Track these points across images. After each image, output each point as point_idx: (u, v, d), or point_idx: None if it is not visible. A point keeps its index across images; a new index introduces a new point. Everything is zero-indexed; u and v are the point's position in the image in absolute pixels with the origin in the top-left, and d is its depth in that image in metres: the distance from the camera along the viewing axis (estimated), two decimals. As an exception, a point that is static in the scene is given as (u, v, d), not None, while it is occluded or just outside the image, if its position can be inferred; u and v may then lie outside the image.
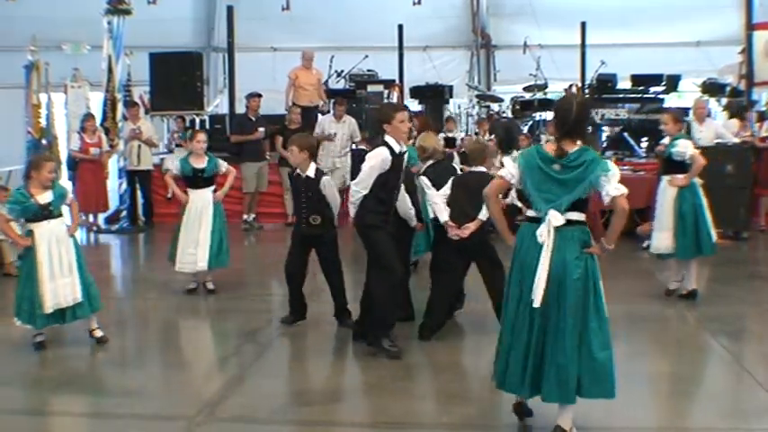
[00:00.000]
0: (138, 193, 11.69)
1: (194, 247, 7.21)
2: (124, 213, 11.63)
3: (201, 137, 7.50)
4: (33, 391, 5.15)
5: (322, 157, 11.56)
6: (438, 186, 6.01)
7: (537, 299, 3.85)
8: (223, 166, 7.51)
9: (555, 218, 3.87)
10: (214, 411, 4.62)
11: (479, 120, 13.17)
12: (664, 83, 12.49)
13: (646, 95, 12.52)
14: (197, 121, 13.04)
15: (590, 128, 12.09)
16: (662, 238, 6.72)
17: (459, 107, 14.49)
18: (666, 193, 6.74)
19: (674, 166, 6.72)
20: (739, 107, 11.51)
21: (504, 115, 13.36)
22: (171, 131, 13.14)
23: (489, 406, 4.52)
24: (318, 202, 6.12)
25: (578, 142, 3.94)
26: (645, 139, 12.05)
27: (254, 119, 11.59)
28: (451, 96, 13.94)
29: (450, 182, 5.89)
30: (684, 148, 6.62)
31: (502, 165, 4.41)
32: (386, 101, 12.55)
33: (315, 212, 6.12)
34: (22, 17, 13.42)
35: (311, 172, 6.13)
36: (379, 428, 4.45)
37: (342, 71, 13.69)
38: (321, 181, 6.11)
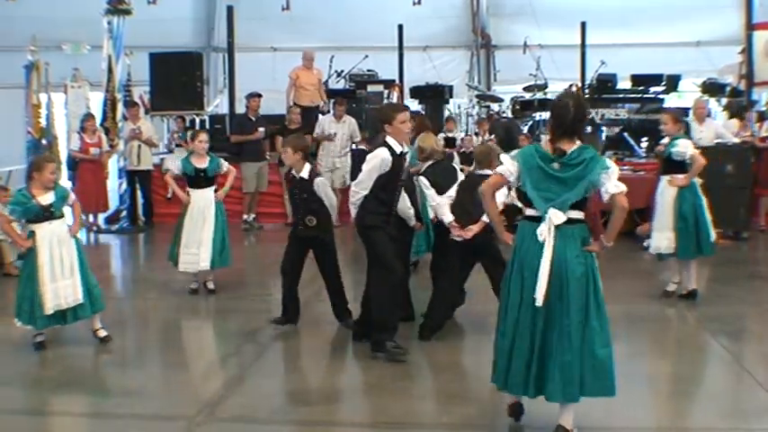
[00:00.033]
0: (138, 193, 11.69)
1: (197, 246, 7.22)
2: (124, 213, 11.63)
3: (203, 137, 7.51)
4: (33, 391, 5.15)
5: (322, 157, 11.59)
6: (437, 186, 6.00)
7: (540, 297, 3.84)
8: (224, 165, 7.53)
9: (556, 216, 3.87)
10: (214, 411, 4.62)
11: (479, 120, 13.17)
12: (664, 83, 12.49)
13: (646, 95, 12.53)
14: (197, 121, 13.04)
15: (590, 128, 12.12)
16: (662, 237, 6.72)
17: (459, 107, 14.49)
18: (666, 193, 6.74)
19: (674, 165, 6.72)
20: (739, 107, 11.51)
21: (504, 115, 13.37)
22: (171, 131, 13.14)
23: (489, 406, 4.52)
24: (313, 203, 6.11)
25: (576, 141, 3.94)
26: (645, 139, 12.05)
27: (254, 119, 11.59)
28: (451, 96, 13.94)
29: (456, 185, 5.89)
30: (684, 148, 6.62)
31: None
32: (386, 101, 12.56)
33: (310, 213, 6.12)
34: (22, 17, 13.43)
35: (305, 173, 6.13)
36: (379, 428, 4.45)
37: (342, 71, 13.68)
38: (315, 182, 6.10)
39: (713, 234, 6.79)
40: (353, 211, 5.52)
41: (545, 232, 3.88)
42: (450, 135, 12.18)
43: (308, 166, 6.18)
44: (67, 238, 5.70)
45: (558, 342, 3.87)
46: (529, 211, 4.04)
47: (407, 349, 5.29)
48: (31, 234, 5.65)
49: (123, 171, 11.62)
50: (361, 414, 4.68)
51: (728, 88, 12.68)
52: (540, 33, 14.16)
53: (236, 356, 5.84)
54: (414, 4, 14.49)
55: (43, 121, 11.58)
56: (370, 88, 13.06)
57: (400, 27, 13.85)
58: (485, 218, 5.53)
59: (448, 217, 5.83)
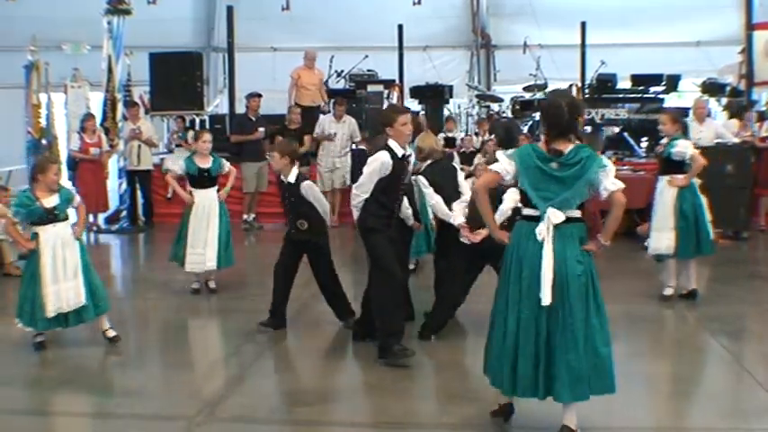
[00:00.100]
0: (138, 193, 11.69)
1: (203, 247, 7.23)
2: (124, 213, 11.63)
3: (207, 137, 7.52)
4: (33, 391, 5.15)
5: (322, 157, 11.59)
6: (436, 186, 6.00)
7: (546, 297, 3.83)
8: (226, 165, 7.56)
9: (555, 216, 3.87)
10: (214, 411, 4.62)
11: (479, 120, 13.17)
12: (664, 83, 12.49)
13: (646, 95, 12.53)
14: (197, 121, 13.04)
15: (590, 128, 12.13)
16: (662, 238, 6.70)
17: (459, 107, 14.50)
18: (666, 193, 6.73)
19: (674, 166, 6.71)
20: (739, 107, 11.51)
21: (504, 115, 13.36)
22: (171, 131, 13.15)
23: (489, 406, 4.51)
24: (302, 207, 6.09)
25: (572, 140, 3.94)
26: (645, 139, 12.06)
27: (254, 119, 11.58)
28: (451, 96, 13.93)
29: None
30: (684, 149, 6.62)
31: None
32: (386, 101, 12.56)
33: (301, 217, 6.10)
34: (22, 17, 13.44)
35: (292, 177, 6.11)
36: (379, 428, 4.45)
37: (342, 71, 13.69)
38: (301, 186, 6.07)
39: (712, 233, 6.79)
40: (356, 214, 5.49)
41: (544, 232, 3.88)
42: (450, 135, 12.19)
43: (295, 171, 6.14)
44: (71, 241, 5.68)
45: (562, 341, 3.86)
46: (526, 211, 4.03)
47: (413, 350, 5.26)
48: (35, 236, 5.64)
49: (123, 171, 11.62)
50: (361, 414, 4.68)
51: (728, 88, 12.69)
52: (540, 33, 14.17)
53: (236, 356, 5.84)
54: (414, 4, 14.50)
55: (43, 121, 11.59)
56: (370, 88, 13.05)
57: (400, 27, 13.84)
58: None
59: (459, 219, 5.84)
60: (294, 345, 6.10)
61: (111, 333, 5.85)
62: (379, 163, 5.27)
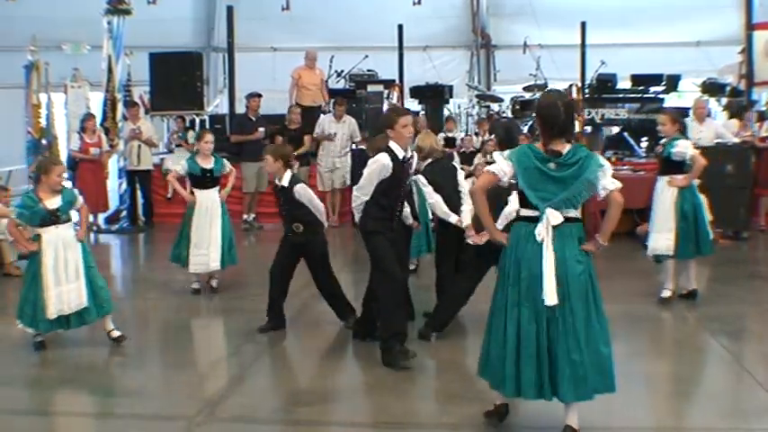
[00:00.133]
0: (138, 193, 11.69)
1: (206, 247, 7.24)
2: (124, 213, 11.63)
3: (209, 137, 7.53)
4: (33, 391, 5.15)
5: (322, 157, 11.60)
6: (435, 185, 6.00)
7: (551, 298, 3.82)
8: (227, 165, 7.58)
9: (553, 216, 3.87)
10: (214, 411, 4.62)
11: (479, 120, 13.18)
12: (664, 83, 12.50)
13: (646, 95, 12.54)
14: (197, 120, 13.04)
15: (590, 128, 12.13)
16: (661, 238, 6.67)
17: (459, 107, 14.50)
18: (666, 193, 6.70)
19: (673, 166, 6.69)
20: (739, 107, 11.51)
21: (504, 115, 13.36)
22: (171, 131, 13.14)
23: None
24: (296, 210, 6.08)
25: (568, 140, 3.94)
26: (645, 139, 12.06)
27: (254, 119, 11.59)
28: (451, 96, 13.94)
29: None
30: (685, 149, 6.60)
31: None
32: (386, 101, 12.56)
33: (296, 220, 6.09)
34: (22, 17, 13.43)
35: (285, 181, 6.10)
36: (379, 428, 4.45)
37: (342, 71, 13.69)
38: (294, 189, 6.05)
39: (712, 233, 6.78)
40: (357, 216, 5.47)
41: (543, 232, 3.88)
42: (450, 135, 12.19)
43: (288, 174, 6.12)
44: (74, 243, 5.67)
45: (564, 341, 3.86)
46: (524, 212, 4.02)
47: (414, 352, 5.24)
48: (37, 237, 5.63)
49: (123, 171, 11.62)
50: (362, 414, 4.68)
51: (728, 88, 12.69)
52: (540, 33, 14.17)
53: (236, 356, 5.84)
54: (414, 4, 14.50)
55: (43, 121, 11.59)
56: (370, 88, 13.05)
57: (400, 27, 13.84)
58: (498, 224, 5.50)
59: (448, 215, 5.85)
60: (294, 345, 6.10)
61: (116, 333, 5.85)
62: (379, 165, 5.24)
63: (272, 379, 5.44)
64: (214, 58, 16.72)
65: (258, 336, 6.09)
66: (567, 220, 3.91)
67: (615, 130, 12.75)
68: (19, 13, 13.61)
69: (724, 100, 12.63)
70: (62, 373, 5.35)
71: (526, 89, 13.54)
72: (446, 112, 13.64)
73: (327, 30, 15.25)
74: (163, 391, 5.10)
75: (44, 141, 11.54)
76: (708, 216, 6.77)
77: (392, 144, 5.27)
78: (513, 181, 4.02)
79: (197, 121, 13.05)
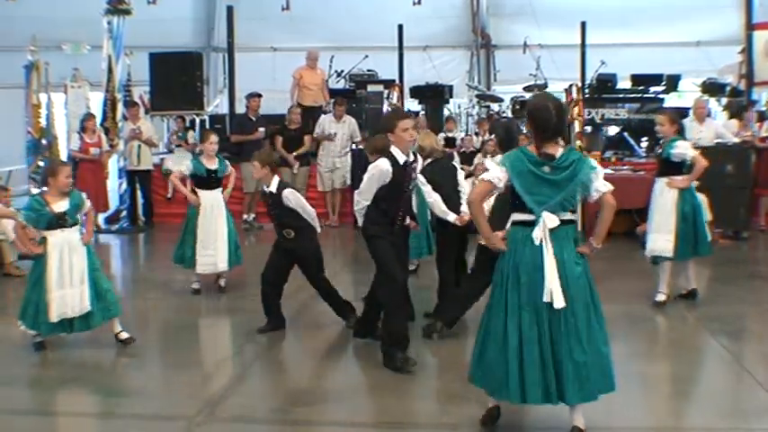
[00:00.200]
0: (138, 193, 11.69)
1: (213, 247, 7.25)
2: (124, 213, 11.63)
3: (214, 138, 7.54)
4: (33, 391, 5.16)
5: (322, 157, 11.60)
6: (435, 184, 5.99)
7: (558, 301, 3.83)
8: (229, 166, 7.59)
9: (550, 219, 3.88)
10: (214, 411, 4.62)
11: (479, 120, 13.18)
12: (664, 83, 12.51)
13: (646, 95, 12.54)
14: (197, 121, 13.04)
15: (590, 128, 12.14)
16: (661, 239, 6.62)
17: (459, 107, 14.50)
18: (666, 194, 6.65)
19: (672, 167, 6.66)
20: (739, 107, 11.52)
21: (504, 115, 13.36)
22: (171, 131, 13.15)
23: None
24: (286, 215, 6.06)
25: (561, 143, 3.95)
26: (645, 139, 12.06)
27: (254, 119, 11.59)
28: (451, 96, 13.94)
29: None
30: (685, 150, 6.57)
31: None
32: (386, 101, 12.56)
33: (286, 226, 6.07)
34: (22, 17, 13.44)
35: (273, 186, 6.08)
36: (379, 428, 4.45)
37: (342, 71, 13.70)
38: (282, 194, 6.03)
39: (713, 233, 6.77)
40: (360, 220, 5.45)
41: (541, 236, 3.88)
42: (450, 135, 12.19)
43: (276, 179, 6.11)
44: (79, 246, 5.65)
45: (567, 343, 3.85)
46: (518, 216, 4.01)
47: (415, 361, 5.23)
48: (43, 240, 5.62)
49: (123, 171, 11.62)
50: (362, 414, 4.68)
51: (728, 88, 12.70)
52: (540, 33, 14.17)
53: (236, 356, 5.84)
54: (414, 4, 14.50)
55: (43, 121, 11.59)
56: (370, 88, 13.05)
57: (400, 27, 13.84)
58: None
59: (446, 214, 5.85)
60: (294, 345, 6.10)
61: (124, 335, 5.83)
62: (378, 170, 5.17)
63: (272, 379, 5.44)
64: (214, 58, 16.71)
65: (258, 336, 6.08)
66: (563, 222, 3.92)
67: (615, 130, 12.76)
68: (19, 13, 13.61)
69: (724, 100, 12.64)
70: (62, 374, 5.35)
71: (526, 89, 13.54)
72: (446, 112, 13.65)
73: (327, 30, 15.25)
74: (163, 391, 5.10)
75: (44, 141, 11.54)
76: (708, 216, 6.77)
77: (393, 149, 5.20)
78: (508, 184, 4.01)
79: (197, 121, 13.05)
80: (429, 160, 6.30)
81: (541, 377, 3.86)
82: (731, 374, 5.31)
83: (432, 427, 4.47)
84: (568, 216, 3.97)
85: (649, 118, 11.64)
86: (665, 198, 6.65)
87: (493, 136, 11.48)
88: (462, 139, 12.15)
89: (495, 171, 3.98)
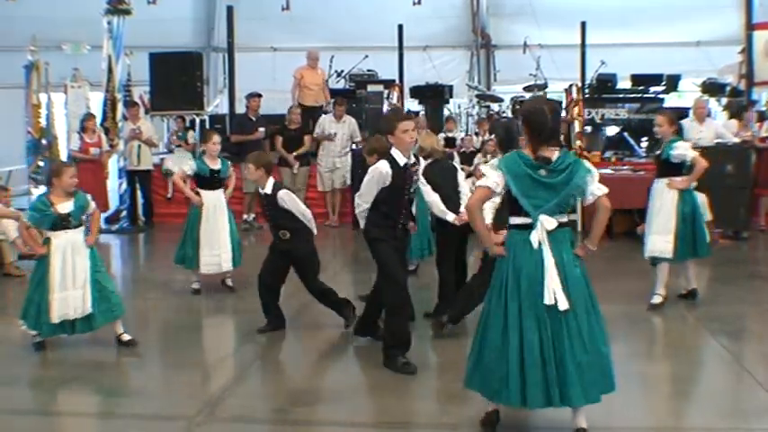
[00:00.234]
0: (138, 193, 11.69)
1: (218, 247, 7.25)
2: (124, 213, 11.63)
3: (216, 138, 7.56)
4: (34, 391, 5.16)
5: (322, 157, 11.60)
6: (434, 185, 5.99)
7: (561, 302, 3.83)
8: (230, 167, 7.60)
9: (548, 222, 3.88)
10: (214, 411, 4.62)
11: (479, 120, 13.18)
12: (664, 83, 12.51)
13: (646, 95, 12.54)
14: (197, 121, 13.05)
15: (590, 128, 12.14)
16: (660, 240, 6.59)
17: (459, 107, 14.50)
18: (666, 195, 6.61)
19: (672, 168, 6.63)
20: (739, 107, 11.52)
21: (504, 115, 13.36)
22: (171, 131, 13.15)
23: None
24: (282, 217, 6.05)
25: (556, 146, 3.95)
26: (645, 139, 12.06)
27: (254, 119, 11.59)
28: (451, 96, 13.95)
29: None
30: (685, 151, 6.55)
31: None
32: (386, 101, 12.57)
33: (281, 228, 6.06)
34: (22, 17, 13.44)
35: (268, 188, 6.07)
36: (379, 428, 4.45)
37: (342, 71, 13.70)
38: (277, 195, 6.01)
39: (714, 233, 6.76)
40: (362, 223, 5.43)
41: (539, 238, 3.88)
42: (450, 135, 12.19)
43: (271, 181, 6.10)
44: (83, 248, 5.64)
45: (570, 345, 3.85)
46: (516, 220, 4.00)
47: (416, 366, 5.21)
48: (47, 241, 5.62)
49: (123, 171, 11.61)
50: (362, 414, 4.68)
51: (728, 88, 12.70)
52: (540, 33, 14.17)
53: (236, 356, 5.84)
54: (414, 4, 14.50)
55: (43, 121, 11.61)
56: (370, 88, 13.05)
57: (400, 27, 13.84)
58: None
59: (445, 214, 5.85)
60: (294, 345, 6.10)
61: (127, 337, 5.82)
62: (377, 173, 5.13)
63: (272, 379, 5.44)
64: (214, 58, 16.71)
65: (258, 336, 6.08)
66: (560, 224, 3.93)
67: (615, 129, 12.76)
68: (19, 13, 13.61)
69: (724, 100, 12.64)
70: (62, 374, 5.35)
71: (526, 89, 13.54)
72: (446, 112, 13.64)
73: (327, 30, 15.25)
74: (163, 391, 5.10)
75: (44, 141, 11.56)
76: (708, 216, 6.75)
77: (394, 151, 5.17)
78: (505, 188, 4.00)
79: (197, 121, 13.05)
80: (429, 161, 6.30)
81: (543, 381, 3.85)
82: (731, 374, 5.31)
83: (432, 427, 4.47)
84: (565, 218, 3.97)
85: (649, 118, 11.63)
86: (664, 199, 6.63)
87: (493, 136, 11.48)
88: (462, 139, 12.15)
89: (493, 176, 3.97)
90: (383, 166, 5.12)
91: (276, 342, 6.06)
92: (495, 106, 13.95)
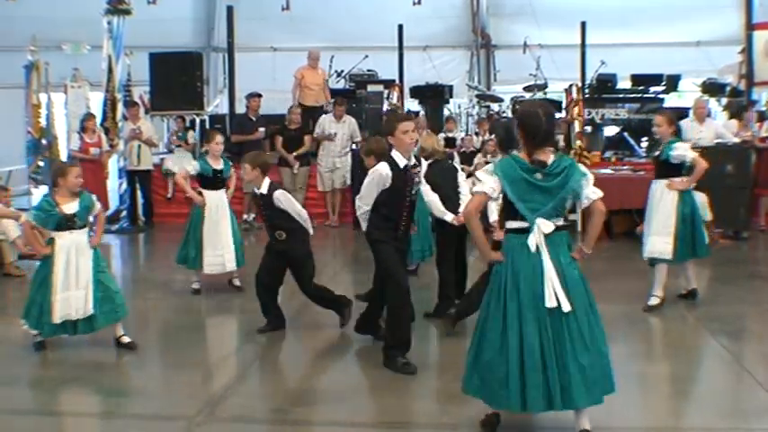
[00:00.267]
0: (138, 193, 11.69)
1: (221, 248, 7.25)
2: (124, 213, 11.64)
3: (220, 138, 7.55)
4: (34, 391, 5.15)
5: (322, 157, 11.60)
6: (434, 185, 5.99)
7: (564, 304, 3.83)
8: (232, 168, 7.61)
9: (545, 226, 3.88)
10: (214, 411, 4.62)
11: (479, 120, 13.18)
12: (664, 83, 12.52)
13: (646, 95, 12.55)
14: (197, 121, 13.05)
15: (590, 128, 12.14)
16: (660, 242, 6.56)
17: (459, 107, 14.50)
18: (666, 197, 6.57)
19: (671, 169, 6.61)
20: (739, 107, 11.52)
21: (504, 115, 13.37)
22: (171, 131, 13.15)
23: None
24: (278, 217, 6.04)
25: (551, 149, 3.96)
26: (645, 139, 12.07)
27: (254, 119, 11.60)
28: (451, 96, 13.95)
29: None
30: (684, 152, 6.53)
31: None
32: (386, 101, 12.57)
33: (277, 228, 6.05)
34: (22, 17, 13.44)
35: (264, 188, 6.05)
36: (379, 428, 4.45)
37: (342, 71, 13.70)
38: (273, 196, 6.00)
39: (714, 233, 6.76)
40: (363, 225, 5.42)
41: (536, 242, 3.88)
42: (450, 135, 12.19)
43: (267, 181, 6.07)
44: (86, 249, 5.63)
45: (571, 347, 3.85)
46: (513, 224, 4.00)
47: (416, 366, 5.21)
48: (51, 241, 5.62)
49: (123, 171, 11.62)
50: (362, 414, 4.67)
51: (728, 88, 12.71)
52: (540, 33, 14.17)
53: (236, 356, 5.84)
54: (414, 4, 14.50)
55: (43, 121, 11.62)
56: (370, 88, 13.06)
57: (400, 27, 13.85)
58: None
59: (443, 214, 5.86)
60: (294, 345, 6.10)
61: (126, 339, 5.81)
62: (377, 175, 5.10)
63: (272, 379, 5.44)
64: (214, 58, 16.71)
65: (258, 336, 6.08)
66: (556, 228, 3.94)
67: (615, 129, 12.76)
68: (19, 13, 13.61)
69: (724, 100, 12.64)
70: (62, 374, 5.35)
71: (526, 89, 13.55)
72: (446, 112, 13.65)
73: (327, 30, 15.25)
74: (163, 391, 5.10)
75: (44, 141, 11.57)
76: (708, 215, 6.73)
77: (394, 153, 5.14)
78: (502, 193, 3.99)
79: (197, 121, 13.05)
80: (429, 161, 6.30)
81: (543, 382, 3.84)
82: (731, 374, 5.31)
83: (432, 427, 4.47)
84: (561, 221, 3.98)
85: (649, 118, 11.60)
86: (664, 200, 6.59)
87: (493, 136, 11.52)
88: (462, 139, 12.15)
89: (489, 182, 3.96)
90: (383, 168, 5.09)
91: (276, 342, 6.06)
92: (495, 106, 13.95)
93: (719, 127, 10.53)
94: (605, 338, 4.01)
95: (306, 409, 4.71)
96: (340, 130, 11.55)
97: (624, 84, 12.83)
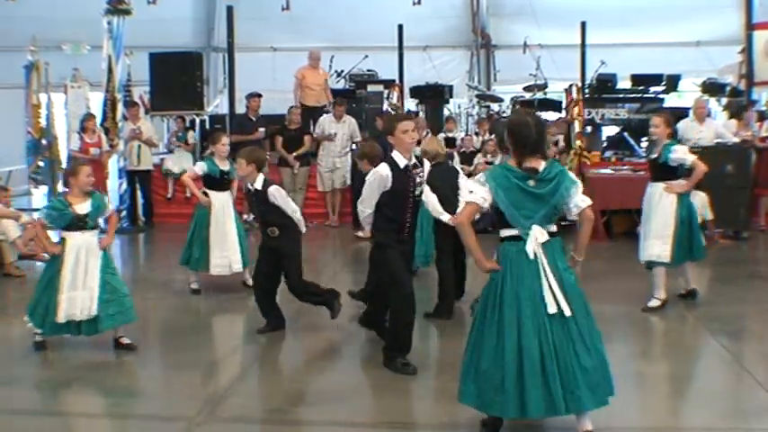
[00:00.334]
0: (138, 193, 11.69)
1: (227, 249, 7.25)
2: (124, 213, 11.62)
3: (225, 139, 7.57)
4: (33, 391, 5.15)
5: (322, 158, 11.60)
6: (434, 186, 5.98)
7: (566, 309, 3.84)
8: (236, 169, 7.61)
9: (540, 233, 3.90)
10: (214, 411, 4.62)
11: (479, 120, 13.19)
12: (664, 83, 12.51)
13: (646, 95, 12.54)
14: (197, 121, 13.05)
15: (590, 128, 12.14)
16: (657, 245, 6.53)
17: (459, 107, 14.51)
18: (665, 200, 6.54)
19: (668, 171, 6.57)
20: (739, 107, 11.52)
21: (504, 115, 13.37)
22: (171, 131, 13.15)
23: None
24: (270, 213, 6.03)
25: (542, 156, 3.97)
26: (645, 139, 12.05)
27: (254, 119, 11.59)
28: (451, 96, 13.95)
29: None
30: (684, 154, 6.49)
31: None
32: (386, 101, 12.57)
33: (270, 225, 6.04)
34: (22, 17, 13.45)
35: (258, 184, 6.04)
36: (379, 428, 4.45)
37: (342, 71, 13.70)
38: (268, 192, 5.99)
39: (714, 233, 6.76)
40: (367, 229, 5.39)
41: (533, 249, 3.89)
42: (450, 135, 12.20)
43: (261, 177, 6.06)
44: (96, 250, 5.63)
45: (573, 351, 3.86)
46: (507, 232, 4.00)
47: (416, 367, 5.21)
48: (62, 241, 5.62)
49: (123, 171, 11.61)
50: (362, 414, 4.67)
51: (728, 88, 12.70)
52: (540, 33, 14.18)
53: (235, 356, 5.84)
54: (414, 4, 14.51)
55: (43, 121, 11.60)
56: (370, 88, 13.06)
57: (400, 27, 13.84)
58: None
59: (442, 215, 5.87)
60: (294, 345, 6.10)
61: (126, 341, 5.80)
62: (377, 177, 5.07)
63: (272, 379, 5.44)
64: (214, 58, 16.72)
65: (258, 336, 6.08)
66: (550, 234, 3.96)
67: (615, 129, 12.76)
68: (19, 13, 13.62)
69: (724, 100, 12.64)
70: (62, 374, 5.35)
71: (526, 89, 13.55)
72: (446, 112, 13.65)
73: (327, 30, 15.26)
74: (163, 392, 5.11)
75: (44, 141, 11.55)
76: (709, 214, 6.72)
77: (395, 153, 5.10)
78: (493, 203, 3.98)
79: (197, 121, 13.05)
80: (431, 164, 6.30)
81: (543, 385, 3.84)
82: (731, 374, 5.31)
83: (432, 428, 4.47)
84: (553, 228, 4.00)
85: (649, 118, 11.65)
86: (664, 204, 6.53)
87: (493, 136, 11.54)
88: (462, 139, 12.15)
89: (480, 191, 3.96)
90: (383, 170, 5.06)
91: (276, 342, 6.06)
92: (495, 106, 13.96)
93: (719, 127, 10.53)
94: (601, 340, 4.03)
95: (306, 409, 4.71)
96: (340, 131, 11.54)
97: (624, 84, 12.82)
